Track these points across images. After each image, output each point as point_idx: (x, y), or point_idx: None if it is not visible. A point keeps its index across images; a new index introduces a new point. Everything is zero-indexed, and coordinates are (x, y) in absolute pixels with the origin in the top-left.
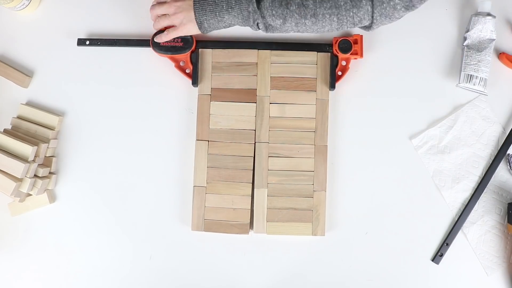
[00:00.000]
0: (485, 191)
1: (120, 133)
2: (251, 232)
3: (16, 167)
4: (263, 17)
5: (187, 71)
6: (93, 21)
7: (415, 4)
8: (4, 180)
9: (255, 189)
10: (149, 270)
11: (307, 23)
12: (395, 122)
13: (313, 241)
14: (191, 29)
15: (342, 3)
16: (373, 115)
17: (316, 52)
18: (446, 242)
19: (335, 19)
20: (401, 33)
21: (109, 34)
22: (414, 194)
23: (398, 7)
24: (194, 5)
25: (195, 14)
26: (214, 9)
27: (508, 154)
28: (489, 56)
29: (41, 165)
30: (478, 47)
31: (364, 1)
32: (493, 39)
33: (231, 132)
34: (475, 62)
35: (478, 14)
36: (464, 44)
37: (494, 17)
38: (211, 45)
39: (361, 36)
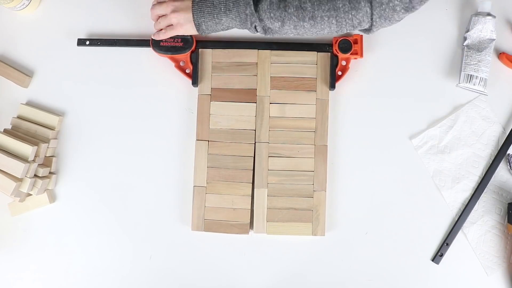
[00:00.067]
0: (485, 191)
1: (120, 133)
2: (251, 232)
3: (16, 167)
4: (261, 20)
5: (187, 71)
6: (93, 21)
7: (414, 6)
8: (4, 180)
9: (255, 189)
10: (149, 270)
11: (305, 26)
12: (395, 122)
13: (313, 241)
14: (189, 29)
15: (340, 5)
16: (373, 115)
17: (316, 52)
18: (446, 242)
19: (333, 21)
20: (401, 33)
21: (109, 34)
22: (414, 194)
23: (398, 9)
24: (192, 7)
25: (193, 15)
26: (212, 11)
27: (508, 154)
28: (489, 56)
29: (41, 165)
30: (478, 47)
31: (362, 3)
32: (493, 39)
33: (231, 132)
34: (475, 62)
35: (478, 14)
36: (464, 44)
37: (494, 17)
38: (211, 45)
39: (361, 36)
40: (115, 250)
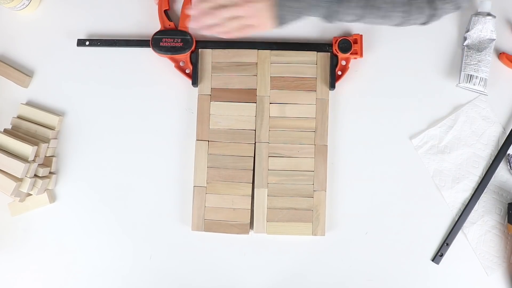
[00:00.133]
0: (485, 191)
1: (120, 133)
2: (251, 232)
3: (16, 167)
4: (337, 12)
5: (187, 71)
6: (93, 21)
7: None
8: (4, 180)
9: (255, 189)
10: (149, 270)
11: (375, 21)
12: (395, 122)
13: (313, 241)
14: (267, 27)
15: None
16: (373, 115)
17: (316, 52)
18: (446, 242)
19: (403, 17)
20: (401, 33)
21: (109, 35)
22: (414, 194)
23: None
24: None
25: (277, 13)
26: (297, 7)
27: (508, 154)
28: (489, 56)
29: (41, 165)
30: (478, 47)
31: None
32: (493, 39)
33: (231, 132)
34: (475, 62)
35: (478, 14)
36: (464, 44)
37: (494, 17)
38: (211, 45)
39: (361, 35)
40: (115, 250)
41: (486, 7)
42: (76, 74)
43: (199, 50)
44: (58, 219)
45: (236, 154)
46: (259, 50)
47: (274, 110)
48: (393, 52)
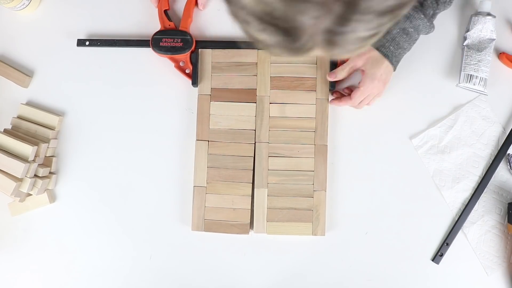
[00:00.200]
0: (485, 191)
1: (120, 133)
2: (251, 232)
3: (16, 167)
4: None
5: (187, 71)
6: (93, 22)
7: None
8: (4, 180)
9: (255, 189)
10: (149, 270)
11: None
12: (395, 122)
13: (313, 241)
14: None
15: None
16: (373, 115)
17: None
18: (446, 242)
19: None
20: None
21: (109, 35)
22: (414, 194)
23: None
24: (393, 65)
25: (395, 68)
26: (406, 52)
27: (508, 154)
28: (489, 56)
29: (41, 165)
30: (478, 47)
31: None
32: (493, 39)
33: (231, 132)
34: (475, 62)
35: (478, 14)
36: (464, 44)
37: (494, 17)
38: (210, 45)
39: None
40: (115, 250)
41: (486, 7)
42: (76, 74)
43: (199, 50)
44: (58, 219)
45: (236, 154)
46: (259, 50)
47: (274, 110)
48: None
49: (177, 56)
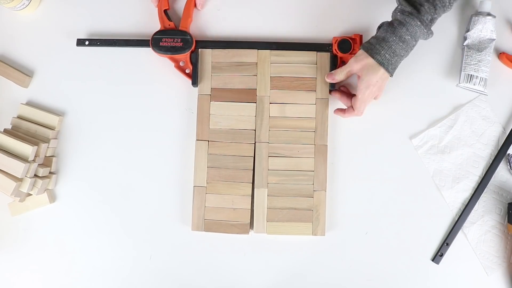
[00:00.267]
0: (485, 191)
1: (120, 133)
2: (251, 232)
3: (16, 167)
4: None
5: (187, 71)
6: (93, 21)
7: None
8: (4, 180)
9: (255, 189)
10: (149, 270)
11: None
12: (395, 122)
13: (313, 241)
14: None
15: None
16: (373, 115)
17: (315, 52)
18: (446, 242)
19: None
20: None
21: (108, 34)
22: (414, 194)
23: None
24: (389, 72)
25: (391, 75)
26: (402, 58)
27: (508, 154)
28: (489, 56)
29: (41, 165)
30: (478, 47)
31: None
32: (493, 39)
33: (231, 132)
34: (475, 62)
35: (478, 14)
36: (464, 44)
37: (494, 17)
38: (211, 45)
39: (361, 35)
40: (115, 250)
41: (486, 7)
42: (76, 74)
43: (199, 50)
44: (58, 219)
45: (236, 154)
46: (259, 50)
47: (274, 110)
48: None
49: (177, 56)
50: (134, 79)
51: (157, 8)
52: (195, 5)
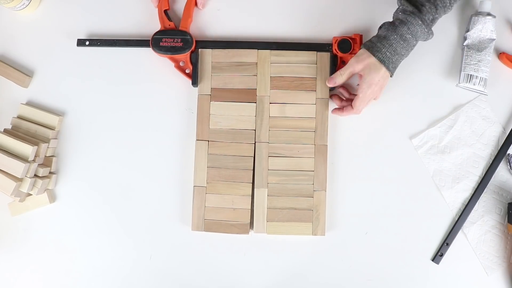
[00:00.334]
0: (485, 191)
1: (120, 133)
2: (251, 232)
3: (16, 167)
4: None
5: (187, 71)
6: (93, 21)
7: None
8: (4, 180)
9: (255, 189)
10: (149, 270)
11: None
12: (395, 122)
13: (313, 241)
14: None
15: None
16: (373, 115)
17: (315, 52)
18: (446, 242)
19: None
20: None
21: (109, 35)
22: (414, 194)
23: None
24: (390, 71)
25: (392, 74)
26: (403, 58)
27: (508, 154)
28: (489, 56)
29: (41, 165)
30: (478, 47)
31: None
32: (493, 39)
33: (231, 132)
34: (475, 62)
35: (478, 14)
36: (464, 44)
37: (494, 17)
38: (211, 45)
39: (361, 35)
40: (115, 250)
41: (486, 7)
42: (76, 74)
43: (199, 50)
44: (58, 219)
45: (236, 154)
46: (259, 50)
47: (274, 110)
48: None
49: (177, 56)
50: (134, 79)
51: (157, 9)
52: (196, 5)
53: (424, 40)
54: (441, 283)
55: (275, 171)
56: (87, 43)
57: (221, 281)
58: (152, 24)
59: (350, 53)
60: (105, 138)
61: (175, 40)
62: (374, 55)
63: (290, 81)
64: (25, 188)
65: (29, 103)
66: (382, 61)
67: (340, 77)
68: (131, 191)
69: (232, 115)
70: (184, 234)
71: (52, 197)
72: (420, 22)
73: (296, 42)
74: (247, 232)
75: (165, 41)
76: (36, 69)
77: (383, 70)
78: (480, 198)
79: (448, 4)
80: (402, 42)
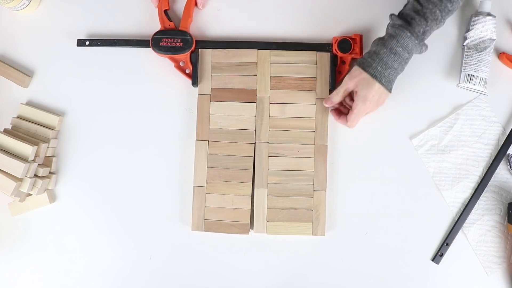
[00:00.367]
0: (485, 191)
1: (120, 133)
2: (251, 232)
3: (16, 167)
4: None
5: (187, 71)
6: (93, 21)
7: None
8: (4, 180)
9: (255, 189)
10: (149, 270)
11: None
12: (395, 122)
13: (313, 241)
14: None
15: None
16: (373, 115)
17: (315, 52)
18: (446, 242)
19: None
20: None
21: (109, 35)
22: (414, 194)
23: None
24: (384, 86)
25: (389, 90)
26: (397, 72)
27: (508, 154)
28: (489, 56)
29: (41, 165)
30: (478, 47)
31: None
32: (493, 39)
33: (231, 132)
34: (475, 62)
35: (478, 14)
36: (464, 44)
37: (494, 17)
38: (211, 45)
39: (361, 35)
40: (115, 250)
41: (486, 7)
42: (76, 74)
43: (199, 50)
44: (58, 219)
45: (236, 154)
46: (259, 50)
47: (274, 110)
48: None
49: (177, 56)
50: (134, 79)
51: (157, 9)
52: (196, 4)
53: (419, 53)
54: (441, 283)
55: (275, 171)
56: (87, 43)
57: (221, 281)
58: (152, 24)
59: (350, 53)
60: (105, 138)
61: (175, 40)
62: (365, 71)
63: (290, 81)
64: (25, 188)
65: (29, 103)
66: (374, 76)
67: (337, 96)
68: (131, 191)
69: (232, 115)
70: (184, 234)
71: (52, 197)
72: (409, 34)
73: (296, 42)
74: (247, 232)
75: (165, 41)
76: (36, 69)
77: (377, 85)
78: (480, 198)
79: (439, 17)
80: (392, 56)
